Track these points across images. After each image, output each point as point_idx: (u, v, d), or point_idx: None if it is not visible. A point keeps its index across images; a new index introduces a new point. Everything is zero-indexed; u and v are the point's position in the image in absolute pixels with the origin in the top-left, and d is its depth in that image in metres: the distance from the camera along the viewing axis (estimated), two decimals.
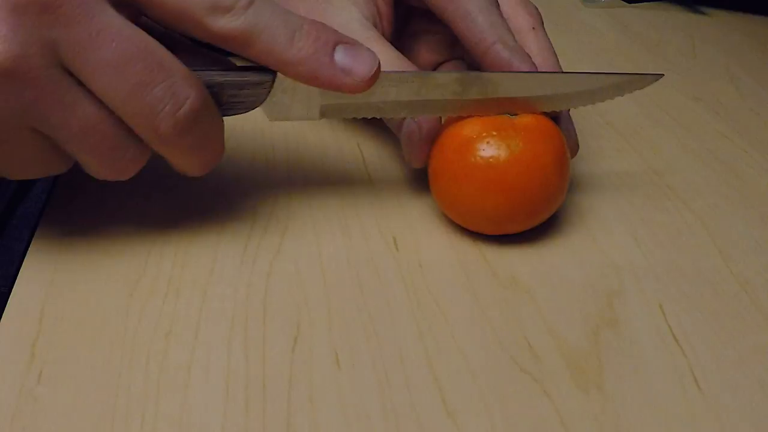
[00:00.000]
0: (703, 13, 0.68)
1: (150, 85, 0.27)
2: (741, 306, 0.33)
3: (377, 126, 0.41)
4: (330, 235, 0.35)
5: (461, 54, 0.40)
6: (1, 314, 0.29)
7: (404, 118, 0.35)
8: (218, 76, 0.30)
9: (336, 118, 0.33)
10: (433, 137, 0.35)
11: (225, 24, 0.28)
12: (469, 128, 0.34)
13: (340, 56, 0.30)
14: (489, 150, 0.33)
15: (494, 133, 0.33)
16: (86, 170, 0.30)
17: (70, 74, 0.27)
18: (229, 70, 0.31)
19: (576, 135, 0.37)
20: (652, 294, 0.33)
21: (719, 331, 0.31)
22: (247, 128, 0.42)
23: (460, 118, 0.34)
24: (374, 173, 0.40)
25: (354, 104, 0.33)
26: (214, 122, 0.30)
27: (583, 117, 0.47)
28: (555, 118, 0.35)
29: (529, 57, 0.35)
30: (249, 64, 0.31)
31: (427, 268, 0.33)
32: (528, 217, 0.34)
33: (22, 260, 0.32)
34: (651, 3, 0.70)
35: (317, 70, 0.30)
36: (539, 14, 0.39)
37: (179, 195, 0.37)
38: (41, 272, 0.31)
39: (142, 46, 0.27)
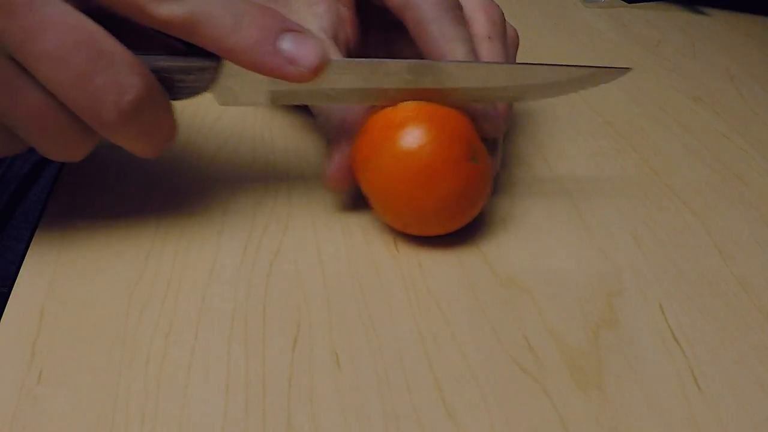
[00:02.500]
0: (703, 13, 0.68)
1: (92, 74, 0.27)
2: (741, 306, 0.33)
3: None
4: (330, 235, 0.35)
5: None
6: (1, 314, 0.29)
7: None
8: (165, 61, 0.30)
9: (288, 105, 0.33)
10: (345, 171, 0.34)
11: (167, 11, 0.28)
12: (362, 143, 0.34)
13: (286, 44, 0.30)
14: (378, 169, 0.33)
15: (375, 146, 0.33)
16: (38, 151, 0.30)
17: (17, 62, 0.27)
18: (177, 54, 0.31)
19: (498, 165, 0.37)
20: (652, 294, 0.33)
21: (719, 331, 0.31)
22: (247, 129, 0.42)
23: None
24: None
25: (303, 91, 0.33)
26: (161, 108, 0.30)
27: (583, 117, 0.47)
28: (491, 146, 0.35)
29: None
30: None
31: (427, 268, 0.33)
32: (443, 216, 0.34)
33: (22, 260, 0.32)
34: (651, 3, 0.70)
35: (261, 58, 0.29)
36: (502, 23, 0.38)
37: (179, 195, 0.37)
38: (41, 272, 0.31)
39: (84, 35, 0.27)
